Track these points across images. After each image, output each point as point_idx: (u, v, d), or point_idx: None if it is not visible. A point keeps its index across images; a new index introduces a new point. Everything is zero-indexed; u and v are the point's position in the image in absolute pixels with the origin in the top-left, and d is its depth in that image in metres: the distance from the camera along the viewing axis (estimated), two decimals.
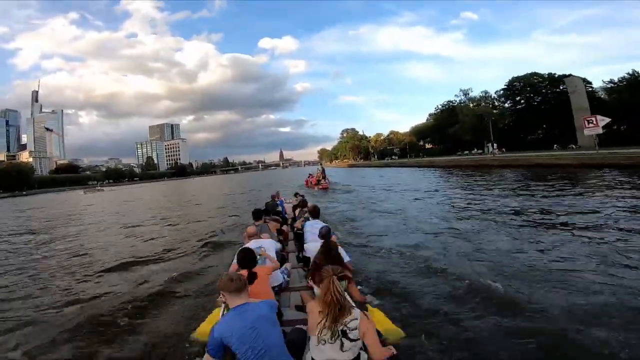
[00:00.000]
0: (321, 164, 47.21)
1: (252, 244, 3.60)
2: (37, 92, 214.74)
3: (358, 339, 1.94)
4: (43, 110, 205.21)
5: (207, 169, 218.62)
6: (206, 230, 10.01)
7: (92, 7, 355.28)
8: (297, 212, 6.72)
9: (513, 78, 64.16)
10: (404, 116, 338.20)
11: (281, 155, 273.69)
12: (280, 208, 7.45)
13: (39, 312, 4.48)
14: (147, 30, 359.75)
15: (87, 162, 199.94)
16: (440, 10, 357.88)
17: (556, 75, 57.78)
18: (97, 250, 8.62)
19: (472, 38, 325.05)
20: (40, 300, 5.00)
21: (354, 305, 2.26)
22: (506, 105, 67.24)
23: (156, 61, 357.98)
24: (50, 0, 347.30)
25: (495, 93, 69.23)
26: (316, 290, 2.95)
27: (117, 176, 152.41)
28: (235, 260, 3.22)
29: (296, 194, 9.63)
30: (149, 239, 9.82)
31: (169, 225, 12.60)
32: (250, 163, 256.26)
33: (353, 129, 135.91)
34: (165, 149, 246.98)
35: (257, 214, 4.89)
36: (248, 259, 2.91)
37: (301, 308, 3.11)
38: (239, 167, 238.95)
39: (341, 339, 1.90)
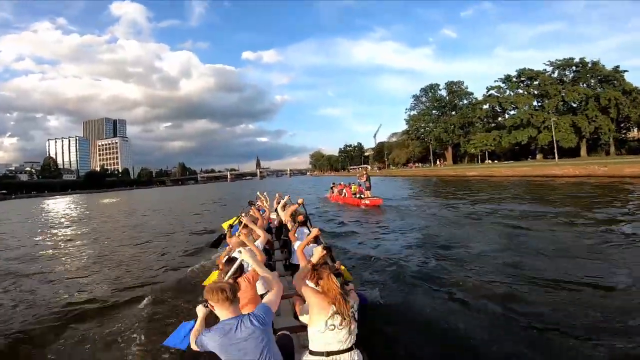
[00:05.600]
0: (365, 170, 32.51)
1: (235, 253, 3.27)
2: None
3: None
4: None
5: (151, 179, 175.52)
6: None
7: (77, 10, 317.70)
8: (290, 224, 5.47)
9: None
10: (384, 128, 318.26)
11: (258, 163, 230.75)
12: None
13: None
14: (130, 35, 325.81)
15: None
16: (411, 28, 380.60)
17: None
18: None
19: (441, 54, 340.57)
20: None
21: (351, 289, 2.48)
22: None
23: (136, 66, 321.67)
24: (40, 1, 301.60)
25: None
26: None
27: None
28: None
29: (279, 202, 7.72)
30: None
31: None
32: (220, 171, 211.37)
33: None
34: (98, 150, 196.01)
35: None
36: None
37: (295, 315, 3.00)
38: (199, 177, 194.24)
39: (350, 322, 2.11)
